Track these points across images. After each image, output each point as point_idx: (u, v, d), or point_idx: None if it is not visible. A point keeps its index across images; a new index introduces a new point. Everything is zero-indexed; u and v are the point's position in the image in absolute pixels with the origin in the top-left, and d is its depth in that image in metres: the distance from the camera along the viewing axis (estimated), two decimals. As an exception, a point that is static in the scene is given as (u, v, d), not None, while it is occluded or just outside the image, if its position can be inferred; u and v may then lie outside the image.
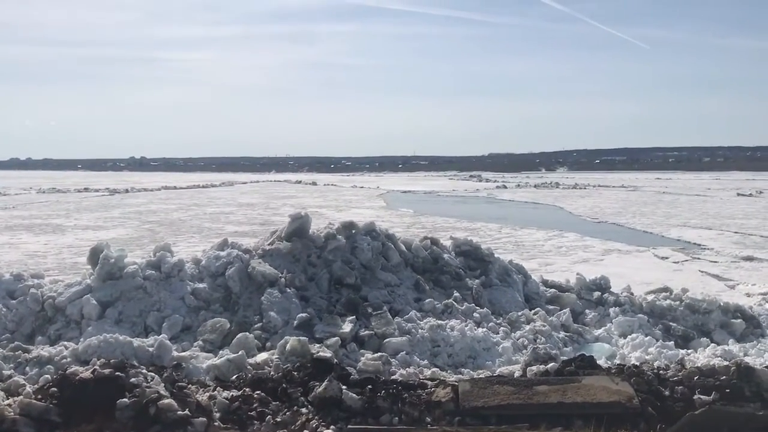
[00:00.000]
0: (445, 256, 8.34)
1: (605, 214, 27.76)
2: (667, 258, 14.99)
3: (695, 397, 5.11)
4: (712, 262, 14.38)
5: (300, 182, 71.38)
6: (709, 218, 25.18)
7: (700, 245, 17.34)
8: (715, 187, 52.75)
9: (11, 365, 5.76)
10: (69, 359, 5.76)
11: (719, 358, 6.34)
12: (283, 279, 7.28)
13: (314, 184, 66.10)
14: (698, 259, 14.91)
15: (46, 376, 5.32)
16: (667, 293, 8.36)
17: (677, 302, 8.01)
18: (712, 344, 7.01)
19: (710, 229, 21.34)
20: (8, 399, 4.83)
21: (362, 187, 57.89)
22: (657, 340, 6.93)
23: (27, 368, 5.73)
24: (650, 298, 8.21)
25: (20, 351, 6.03)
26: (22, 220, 24.10)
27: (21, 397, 4.77)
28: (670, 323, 7.59)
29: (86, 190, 49.78)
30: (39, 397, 4.78)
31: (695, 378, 5.39)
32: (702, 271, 13.06)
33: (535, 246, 17.07)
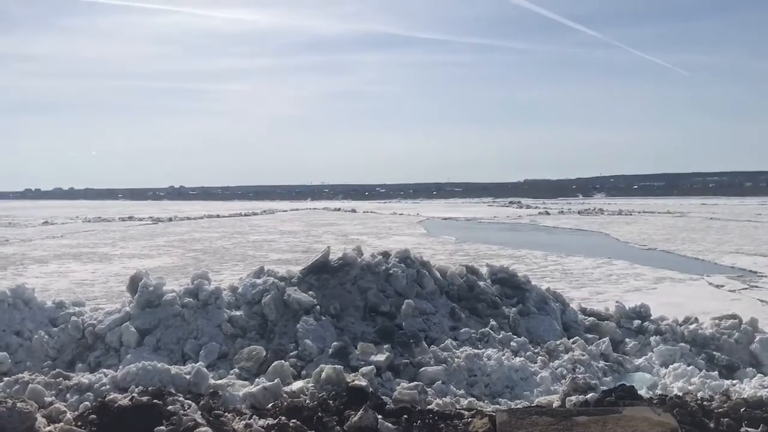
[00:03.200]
0: (481, 283, 8.27)
1: (654, 241, 27.17)
2: (722, 286, 14.51)
3: (742, 429, 4.92)
4: (771, 290, 13.82)
5: (339, 210, 71.95)
6: (763, 245, 24.40)
7: (756, 273, 16.79)
8: (765, 213, 51.34)
9: (53, 392, 5.86)
10: (108, 386, 5.83)
11: (767, 389, 6.11)
12: (318, 307, 7.31)
13: (354, 211, 66.50)
14: (756, 287, 14.39)
15: (86, 403, 5.40)
16: (736, 320, 7.97)
17: (728, 331, 7.70)
18: (759, 375, 6.76)
19: (766, 256, 20.65)
20: (49, 425, 4.90)
21: (401, 214, 57.98)
22: (700, 370, 6.72)
23: (68, 395, 5.82)
24: (716, 324, 7.90)
25: (61, 378, 6.13)
26: (70, 249, 24.72)
27: (62, 423, 4.84)
28: (714, 352, 7.36)
29: (130, 218, 50.93)
30: (79, 423, 4.85)
31: (741, 410, 5.20)
32: (762, 300, 12.56)
33: (584, 274, 16.71)
